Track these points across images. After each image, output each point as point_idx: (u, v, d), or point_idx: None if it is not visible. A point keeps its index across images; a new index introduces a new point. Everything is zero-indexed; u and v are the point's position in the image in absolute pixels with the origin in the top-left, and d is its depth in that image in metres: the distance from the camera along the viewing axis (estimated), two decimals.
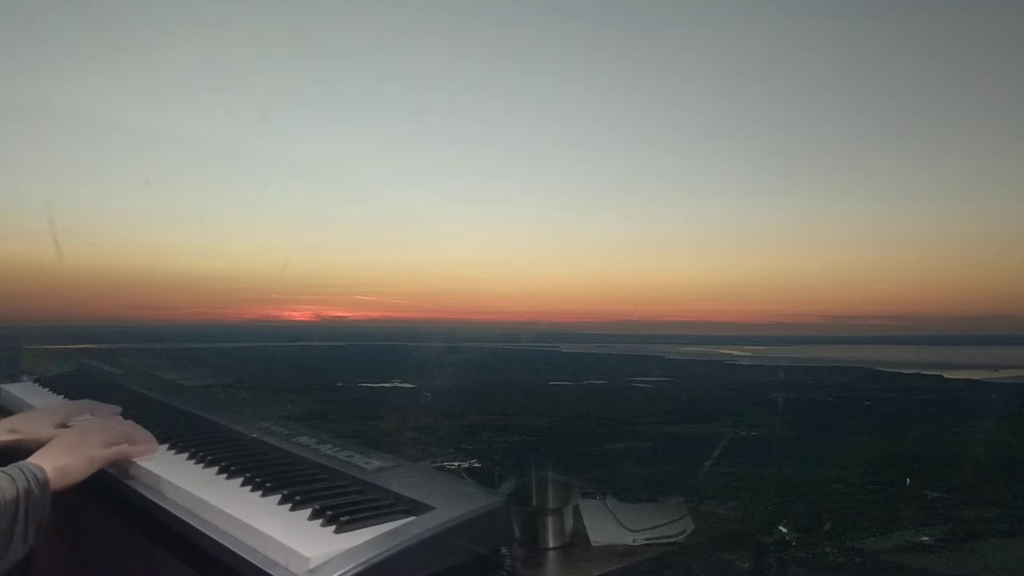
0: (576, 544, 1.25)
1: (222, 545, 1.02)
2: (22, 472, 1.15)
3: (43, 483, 1.16)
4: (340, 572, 0.88)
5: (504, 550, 1.08)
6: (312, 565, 0.90)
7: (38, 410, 1.60)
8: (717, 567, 1.32)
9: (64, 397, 1.85)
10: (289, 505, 1.07)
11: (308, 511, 1.04)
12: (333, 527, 0.98)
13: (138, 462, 1.32)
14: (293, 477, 1.20)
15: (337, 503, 1.05)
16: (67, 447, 1.27)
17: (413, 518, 1.00)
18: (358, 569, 0.89)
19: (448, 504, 1.02)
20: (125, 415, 1.56)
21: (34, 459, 1.21)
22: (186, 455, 1.35)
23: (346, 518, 0.99)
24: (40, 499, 1.14)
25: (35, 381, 2.13)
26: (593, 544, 1.24)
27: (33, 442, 1.31)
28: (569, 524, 1.26)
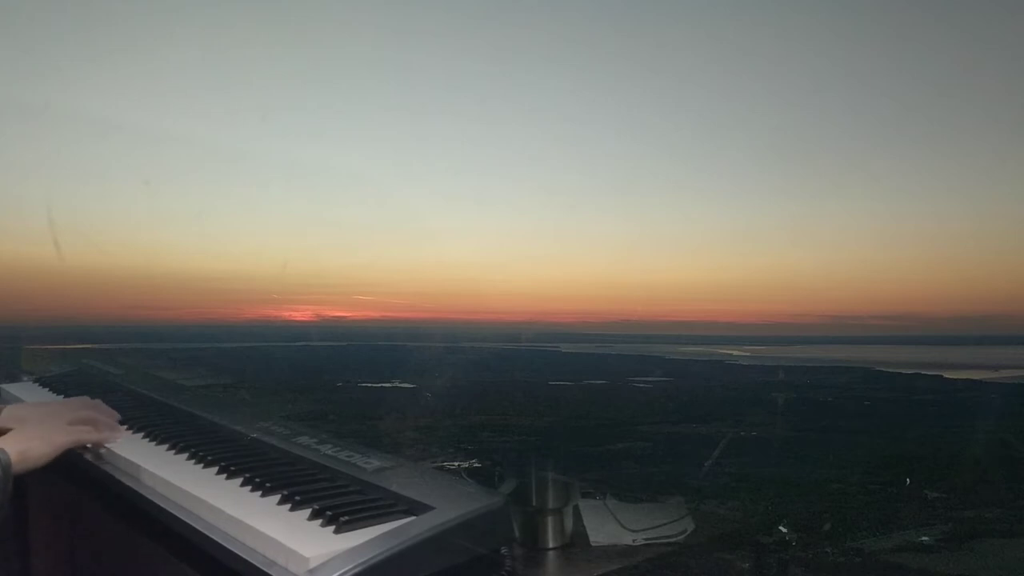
0: (576, 544, 1.25)
1: (222, 545, 1.02)
2: None
3: (5, 465, 1.21)
4: (340, 572, 0.88)
5: (504, 550, 1.08)
6: (312, 565, 0.90)
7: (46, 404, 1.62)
8: (717, 567, 1.32)
9: (64, 397, 1.85)
10: (289, 505, 1.07)
11: (308, 511, 1.04)
12: (333, 527, 0.98)
13: (141, 463, 1.32)
14: (293, 477, 1.20)
15: (337, 503, 1.05)
16: (29, 432, 1.32)
17: (413, 518, 1.00)
18: (358, 569, 0.89)
19: (448, 504, 1.02)
20: (125, 415, 1.57)
21: None
22: (186, 455, 1.36)
23: (346, 518, 0.99)
24: (2, 481, 1.20)
25: (35, 381, 2.12)
26: (593, 544, 1.24)
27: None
28: (569, 524, 1.26)
